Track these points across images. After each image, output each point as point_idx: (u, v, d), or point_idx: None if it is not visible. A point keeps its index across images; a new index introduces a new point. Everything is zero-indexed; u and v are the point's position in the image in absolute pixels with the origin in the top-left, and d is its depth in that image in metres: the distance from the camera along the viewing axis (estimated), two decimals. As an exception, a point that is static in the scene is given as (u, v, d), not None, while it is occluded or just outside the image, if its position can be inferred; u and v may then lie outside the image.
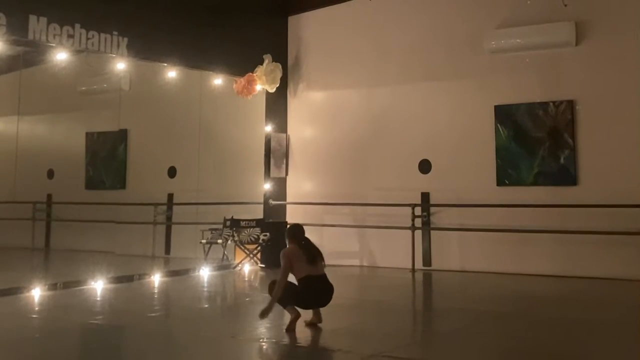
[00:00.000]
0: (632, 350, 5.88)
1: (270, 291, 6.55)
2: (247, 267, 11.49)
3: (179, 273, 10.75)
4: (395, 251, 11.37)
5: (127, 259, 12.01)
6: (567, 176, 10.32)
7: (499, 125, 10.85)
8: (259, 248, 11.54)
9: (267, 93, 11.89)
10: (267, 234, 11.50)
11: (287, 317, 7.78)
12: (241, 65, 11.44)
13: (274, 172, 12.20)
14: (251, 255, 11.53)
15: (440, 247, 11.16)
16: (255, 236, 11.50)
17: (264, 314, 6.38)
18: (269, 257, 11.62)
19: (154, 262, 12.12)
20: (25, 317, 7.38)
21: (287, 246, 6.88)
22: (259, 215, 11.93)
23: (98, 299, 8.50)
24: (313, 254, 6.70)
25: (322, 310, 6.90)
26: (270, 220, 11.95)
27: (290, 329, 6.43)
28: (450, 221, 11.05)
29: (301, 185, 12.44)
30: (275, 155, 12.26)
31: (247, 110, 12.16)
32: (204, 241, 11.71)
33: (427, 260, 11.18)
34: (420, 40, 11.62)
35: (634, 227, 9.60)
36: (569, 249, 10.17)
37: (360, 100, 12.10)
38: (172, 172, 13.01)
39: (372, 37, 12.03)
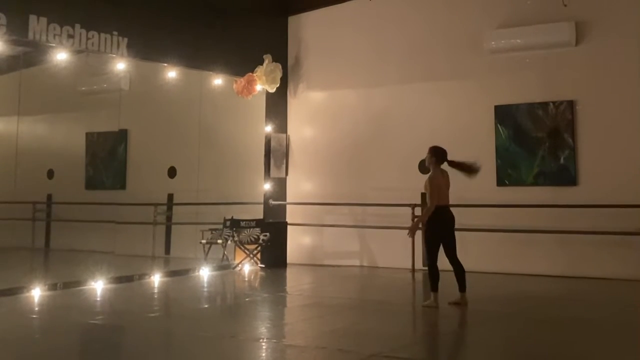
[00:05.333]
0: (632, 350, 5.89)
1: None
2: (247, 267, 11.49)
3: (179, 273, 10.75)
4: (395, 251, 11.37)
5: (127, 259, 12.00)
6: (567, 176, 10.32)
7: (499, 125, 10.85)
8: (259, 248, 11.54)
9: (267, 93, 11.89)
10: (267, 234, 11.51)
11: (288, 316, 7.81)
12: (241, 65, 11.43)
13: (274, 172, 12.20)
14: (251, 256, 11.53)
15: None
16: (255, 236, 11.50)
17: (411, 231, 8.02)
18: (269, 257, 11.64)
19: (154, 262, 12.12)
20: (25, 317, 7.38)
21: (429, 162, 7.93)
22: (259, 215, 11.93)
23: (98, 299, 8.50)
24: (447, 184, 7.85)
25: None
26: (270, 220, 11.95)
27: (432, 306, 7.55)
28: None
29: (301, 186, 12.44)
30: (275, 155, 12.25)
31: (247, 110, 12.16)
32: (204, 241, 11.71)
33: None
34: (420, 41, 11.62)
35: (634, 227, 9.60)
36: (569, 249, 10.17)
37: (360, 100, 12.10)
38: (172, 172, 13.00)
39: (372, 37, 12.03)
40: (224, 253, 11.68)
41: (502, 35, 10.79)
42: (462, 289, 7.75)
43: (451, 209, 8.01)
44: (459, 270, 7.79)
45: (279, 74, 11.63)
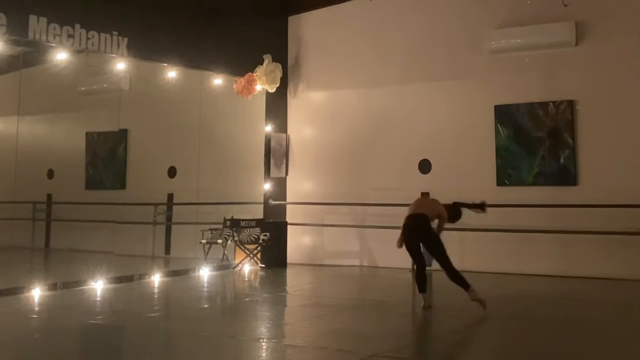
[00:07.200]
0: (632, 350, 5.88)
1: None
2: (247, 267, 11.49)
3: (179, 273, 10.75)
4: (395, 251, 11.28)
5: (127, 259, 12.00)
6: (567, 176, 10.32)
7: (499, 125, 10.85)
8: (259, 248, 11.54)
9: (267, 93, 11.89)
10: (267, 234, 11.51)
11: (288, 316, 7.82)
12: (241, 65, 11.44)
13: (274, 172, 12.20)
14: (251, 255, 11.53)
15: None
16: (255, 236, 11.50)
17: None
18: (269, 257, 11.64)
19: (154, 262, 12.12)
20: (25, 317, 7.38)
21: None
22: (259, 215, 11.94)
23: (98, 299, 8.50)
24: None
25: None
26: (270, 220, 11.96)
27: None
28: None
29: (301, 185, 12.44)
30: (275, 155, 12.26)
31: (247, 110, 12.16)
32: (204, 241, 11.71)
33: (427, 261, 11.15)
34: (420, 40, 11.62)
35: (634, 227, 9.60)
36: (568, 249, 10.17)
37: (360, 100, 12.10)
38: (172, 172, 13.01)
39: (372, 37, 12.03)
40: (224, 253, 11.68)
41: (502, 35, 10.79)
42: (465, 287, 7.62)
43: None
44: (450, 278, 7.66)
45: (279, 74, 11.63)
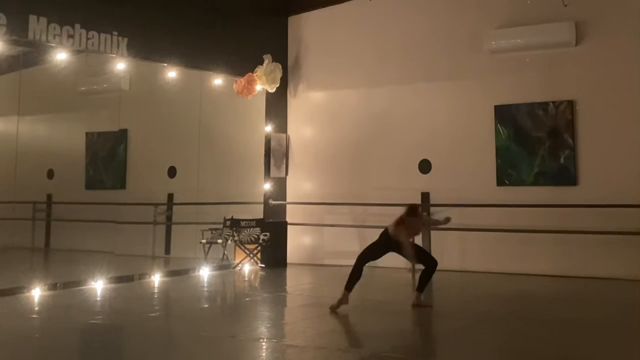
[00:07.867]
0: (632, 350, 5.89)
1: None
2: (247, 267, 11.49)
3: (179, 273, 10.75)
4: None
5: (127, 259, 12.00)
6: (567, 176, 10.32)
7: (499, 125, 10.85)
8: (259, 248, 11.54)
9: (267, 93, 11.89)
10: (267, 234, 11.51)
11: (288, 316, 7.83)
12: (241, 65, 11.44)
13: (274, 172, 12.20)
14: (251, 255, 11.53)
15: (440, 247, 11.15)
16: (255, 236, 11.50)
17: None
18: (269, 257, 11.64)
19: (154, 262, 12.12)
20: (25, 317, 7.39)
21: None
22: (259, 215, 11.94)
23: (98, 299, 8.50)
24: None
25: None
26: (270, 220, 11.96)
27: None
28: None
29: (301, 185, 12.44)
30: (275, 155, 12.26)
31: (247, 110, 12.16)
32: (204, 241, 11.71)
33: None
34: (420, 41, 11.62)
35: (634, 227, 9.60)
36: (569, 249, 10.17)
37: (360, 100, 12.10)
38: (172, 172, 13.00)
39: (372, 37, 12.03)
40: (224, 253, 11.68)
41: (502, 35, 10.79)
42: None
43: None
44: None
45: (279, 74, 11.63)
